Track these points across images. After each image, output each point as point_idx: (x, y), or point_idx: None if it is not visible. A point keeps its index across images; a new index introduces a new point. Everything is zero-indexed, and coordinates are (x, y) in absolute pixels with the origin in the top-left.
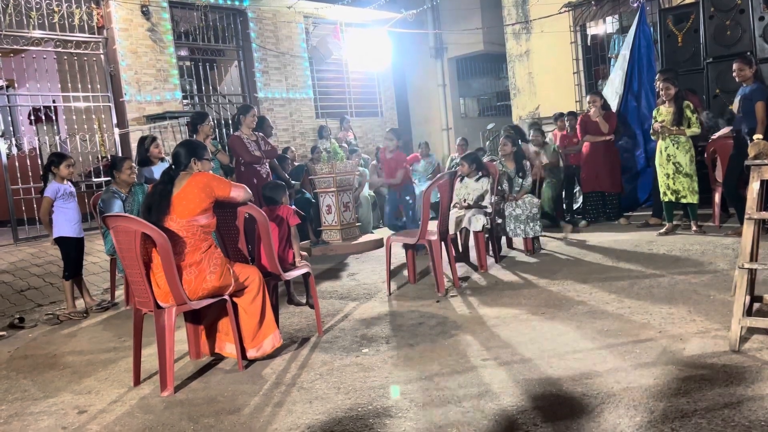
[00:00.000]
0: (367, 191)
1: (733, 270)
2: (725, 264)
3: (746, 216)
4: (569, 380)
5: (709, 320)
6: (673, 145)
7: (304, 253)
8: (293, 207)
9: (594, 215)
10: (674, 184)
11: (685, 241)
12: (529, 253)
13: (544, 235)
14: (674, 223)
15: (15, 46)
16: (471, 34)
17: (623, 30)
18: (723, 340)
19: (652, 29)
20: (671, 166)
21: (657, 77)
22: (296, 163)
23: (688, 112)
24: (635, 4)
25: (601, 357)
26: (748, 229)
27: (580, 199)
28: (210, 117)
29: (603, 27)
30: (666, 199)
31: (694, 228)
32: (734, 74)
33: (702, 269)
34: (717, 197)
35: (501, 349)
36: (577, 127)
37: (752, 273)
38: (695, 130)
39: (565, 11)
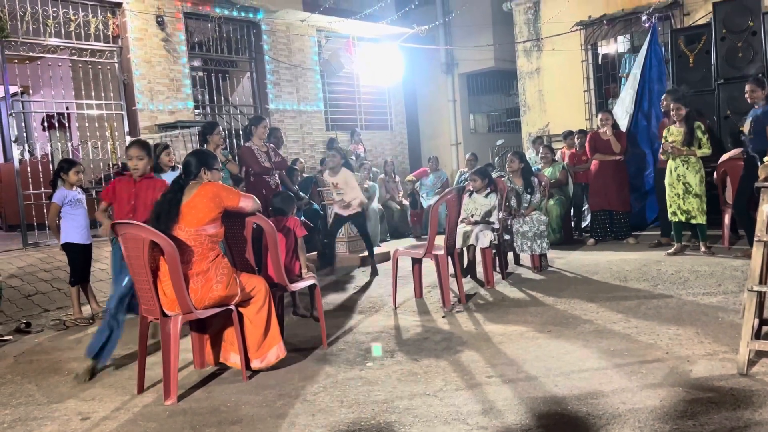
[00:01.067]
0: (376, 204)
1: (741, 292)
2: (734, 286)
3: (756, 238)
4: (574, 399)
5: (717, 342)
6: (684, 165)
7: (311, 265)
8: (302, 218)
9: (602, 234)
10: (684, 204)
11: (694, 261)
12: (537, 270)
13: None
14: (683, 243)
15: (31, 53)
16: (482, 51)
17: (634, 49)
18: (731, 363)
19: (663, 49)
20: (681, 186)
21: (664, 97)
22: (305, 175)
23: (699, 133)
24: (647, 24)
25: (607, 377)
26: (758, 252)
27: (589, 217)
28: (220, 127)
29: (614, 46)
30: (675, 219)
31: (703, 249)
32: (746, 95)
33: (710, 291)
34: (727, 218)
35: (506, 367)
36: (586, 144)
37: (761, 296)
38: (706, 150)
39: (577, 30)
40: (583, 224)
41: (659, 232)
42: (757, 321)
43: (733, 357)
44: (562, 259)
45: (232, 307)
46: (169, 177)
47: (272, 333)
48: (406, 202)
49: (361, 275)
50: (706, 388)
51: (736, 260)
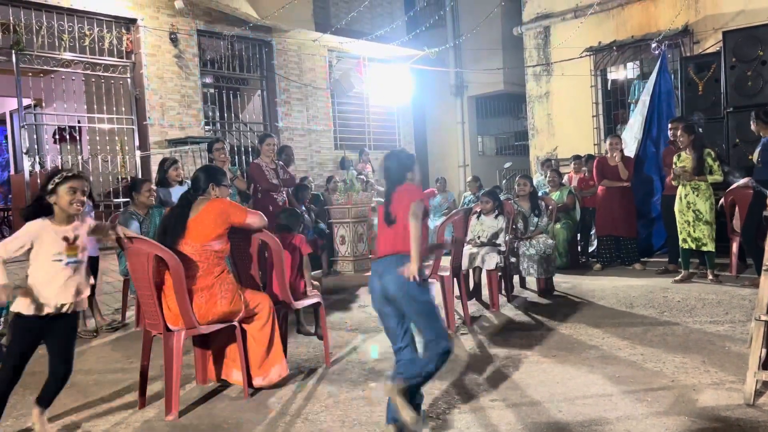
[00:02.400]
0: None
1: (749, 321)
2: (741, 315)
3: (764, 267)
4: (578, 426)
5: (724, 372)
6: (694, 192)
7: (316, 283)
8: (317, 236)
9: (608, 259)
10: (695, 231)
11: (701, 289)
12: (542, 294)
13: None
14: (690, 270)
15: (45, 67)
16: (491, 74)
17: (644, 76)
18: (738, 393)
19: (672, 76)
20: (691, 213)
21: (670, 126)
22: (312, 193)
23: (709, 160)
24: (656, 51)
25: (612, 403)
26: (766, 281)
27: (596, 242)
28: (222, 143)
29: (623, 72)
30: (686, 246)
31: (710, 277)
32: (753, 129)
33: (717, 319)
34: (735, 247)
35: (510, 391)
36: (593, 170)
37: None
38: (717, 177)
39: (586, 55)
40: (590, 249)
41: (666, 259)
42: (764, 351)
43: (740, 387)
44: (568, 284)
45: (235, 323)
46: (176, 192)
47: (275, 351)
48: None
49: (365, 295)
50: (712, 418)
51: (743, 289)
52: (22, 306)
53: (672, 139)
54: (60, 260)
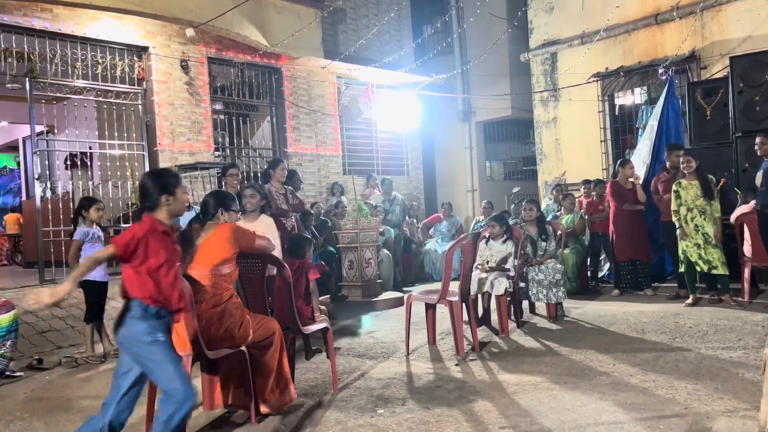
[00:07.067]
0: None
1: (762, 347)
2: (755, 341)
3: None
4: None
5: (738, 399)
6: (701, 215)
7: (323, 308)
8: (322, 262)
9: (630, 284)
10: (705, 254)
11: (713, 315)
12: (552, 319)
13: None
14: (697, 295)
15: (58, 94)
16: (499, 100)
17: (651, 101)
18: (752, 421)
19: (680, 101)
20: (700, 236)
21: (667, 155)
22: (321, 218)
23: (712, 186)
24: (664, 77)
25: (624, 431)
26: None
27: (606, 267)
28: (236, 169)
29: (631, 98)
30: (698, 269)
31: (731, 302)
32: (756, 148)
33: (730, 345)
34: (746, 272)
35: (520, 418)
36: (609, 194)
37: None
38: (717, 206)
39: (594, 81)
40: (600, 274)
41: (677, 284)
42: None
43: (755, 415)
44: (579, 309)
45: (243, 348)
46: (183, 217)
47: (283, 376)
48: (430, 246)
49: (373, 320)
50: None
51: (756, 314)
52: None
53: (668, 165)
54: None
